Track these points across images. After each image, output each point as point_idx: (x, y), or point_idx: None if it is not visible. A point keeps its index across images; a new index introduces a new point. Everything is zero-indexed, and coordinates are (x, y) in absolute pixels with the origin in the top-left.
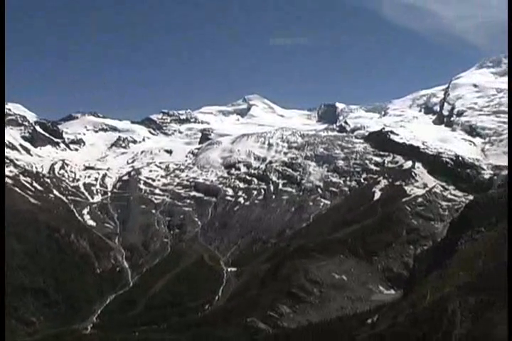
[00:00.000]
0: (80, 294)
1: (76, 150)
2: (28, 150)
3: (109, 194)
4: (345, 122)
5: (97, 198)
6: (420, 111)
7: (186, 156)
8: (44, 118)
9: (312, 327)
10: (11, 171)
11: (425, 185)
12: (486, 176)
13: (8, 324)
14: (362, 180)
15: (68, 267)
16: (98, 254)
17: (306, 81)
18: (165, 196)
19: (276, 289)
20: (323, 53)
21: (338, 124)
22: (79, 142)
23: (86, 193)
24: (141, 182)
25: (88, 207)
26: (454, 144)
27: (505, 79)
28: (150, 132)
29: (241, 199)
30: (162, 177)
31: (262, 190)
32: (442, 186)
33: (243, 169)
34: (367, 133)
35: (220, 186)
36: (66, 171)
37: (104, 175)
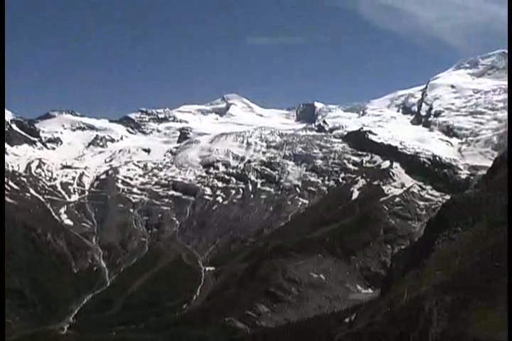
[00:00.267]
0: (56, 294)
1: (53, 149)
2: None
3: (87, 193)
4: (324, 122)
5: (74, 197)
6: (398, 111)
7: (164, 155)
8: (21, 117)
9: (290, 326)
10: None
11: (403, 185)
12: (463, 176)
13: None
14: (340, 180)
15: (45, 267)
16: (75, 254)
17: (284, 80)
18: (143, 195)
19: (255, 288)
20: (301, 53)
21: (316, 124)
22: (56, 141)
23: (63, 192)
24: (119, 181)
25: (65, 206)
26: (432, 144)
27: (482, 80)
28: (128, 131)
29: (219, 199)
30: (140, 176)
31: (241, 190)
32: (419, 186)
33: (221, 168)
34: (345, 133)
35: (199, 185)
36: (43, 170)
37: (82, 174)
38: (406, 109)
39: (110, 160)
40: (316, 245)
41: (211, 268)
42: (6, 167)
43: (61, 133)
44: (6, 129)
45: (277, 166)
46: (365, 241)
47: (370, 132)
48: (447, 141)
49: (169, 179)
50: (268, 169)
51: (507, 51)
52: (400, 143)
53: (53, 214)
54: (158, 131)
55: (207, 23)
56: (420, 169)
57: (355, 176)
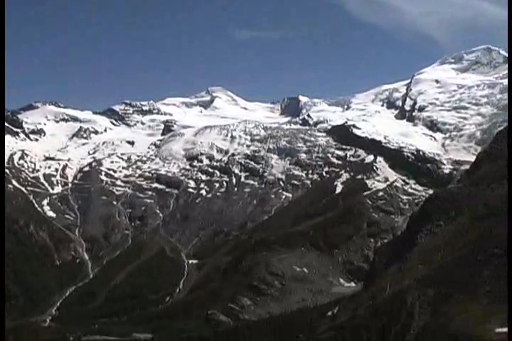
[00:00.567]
0: (39, 286)
1: (36, 140)
2: None
3: (70, 185)
4: (308, 115)
5: (57, 189)
6: (383, 105)
7: (148, 148)
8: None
9: (273, 319)
10: None
11: (386, 179)
12: (446, 171)
13: None
14: (324, 174)
15: (27, 259)
16: (58, 246)
17: (269, 74)
18: (126, 187)
19: (238, 281)
20: (286, 46)
21: (301, 117)
22: (39, 132)
23: (46, 184)
24: (103, 173)
25: (48, 198)
26: (415, 139)
27: (466, 75)
28: (112, 123)
29: (203, 192)
30: (124, 168)
31: (224, 183)
32: (403, 180)
33: (205, 161)
34: (329, 127)
35: (182, 178)
36: (26, 161)
37: (65, 166)
38: (390, 104)
39: (94, 152)
40: (299, 238)
41: (194, 261)
42: None
43: (44, 124)
44: None
45: (261, 160)
46: (348, 235)
47: (354, 126)
48: (431, 135)
49: (153, 172)
50: (252, 162)
51: (507, 51)
52: (384, 138)
53: (36, 206)
54: (142, 123)
55: (192, 16)
56: (404, 163)
57: (339, 170)
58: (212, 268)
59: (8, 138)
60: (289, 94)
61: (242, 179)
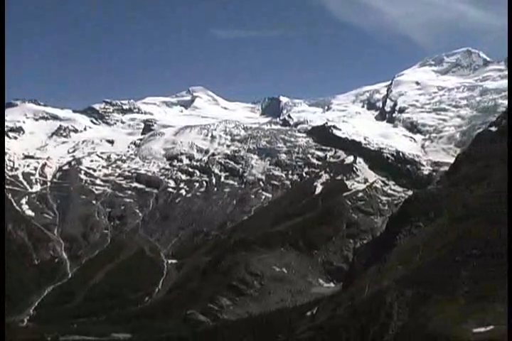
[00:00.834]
0: (16, 285)
1: (15, 138)
2: None
3: (49, 184)
4: (289, 116)
5: (36, 188)
6: (363, 106)
7: (128, 147)
8: None
9: (252, 319)
10: None
11: (366, 180)
12: (426, 172)
13: None
14: (304, 174)
15: (5, 258)
16: (36, 245)
17: (250, 74)
18: (106, 187)
19: (217, 281)
20: (267, 46)
21: (281, 118)
22: (18, 130)
23: (25, 183)
24: (82, 172)
25: (27, 197)
26: (395, 140)
27: (447, 77)
28: (92, 121)
29: (183, 191)
30: (103, 167)
31: (204, 183)
32: (383, 181)
33: (185, 161)
34: (310, 128)
35: (162, 178)
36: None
37: (44, 165)
38: (371, 105)
39: (73, 151)
40: (278, 239)
41: (174, 261)
42: None
43: (23, 122)
44: None
45: (241, 160)
46: (328, 236)
47: (334, 127)
48: (411, 137)
49: (133, 171)
50: (232, 162)
51: (506, 52)
52: (364, 139)
53: (14, 204)
54: (123, 122)
55: (173, 15)
56: (383, 164)
57: (319, 171)
58: (192, 268)
59: None
60: (269, 95)
61: (222, 179)
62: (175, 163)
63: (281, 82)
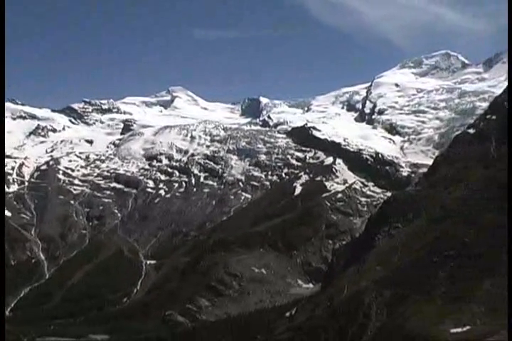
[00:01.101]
0: None
1: None
2: None
3: (26, 184)
4: (269, 117)
5: (14, 188)
6: (343, 108)
7: (107, 147)
8: None
9: (231, 320)
10: None
11: (345, 181)
12: (404, 173)
13: None
14: (283, 175)
15: None
16: (13, 245)
17: (230, 74)
18: (84, 187)
19: (196, 282)
20: (248, 47)
21: (261, 119)
22: None
23: None
24: (60, 172)
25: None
26: (374, 141)
27: (425, 79)
28: (71, 121)
29: (162, 192)
30: (82, 167)
31: (183, 183)
32: (362, 182)
33: (165, 161)
34: (289, 129)
35: (141, 178)
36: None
37: (22, 164)
38: (350, 106)
39: (51, 151)
40: (258, 239)
41: (152, 262)
42: None
43: None
44: None
45: (221, 160)
46: (307, 237)
47: (314, 128)
48: (390, 138)
49: (111, 171)
50: (211, 163)
51: (507, 51)
52: (344, 140)
53: None
54: (102, 122)
55: (154, 15)
56: (363, 166)
57: (298, 172)
58: (171, 268)
59: None
60: (249, 95)
61: (202, 179)
62: (154, 163)
63: (261, 82)
